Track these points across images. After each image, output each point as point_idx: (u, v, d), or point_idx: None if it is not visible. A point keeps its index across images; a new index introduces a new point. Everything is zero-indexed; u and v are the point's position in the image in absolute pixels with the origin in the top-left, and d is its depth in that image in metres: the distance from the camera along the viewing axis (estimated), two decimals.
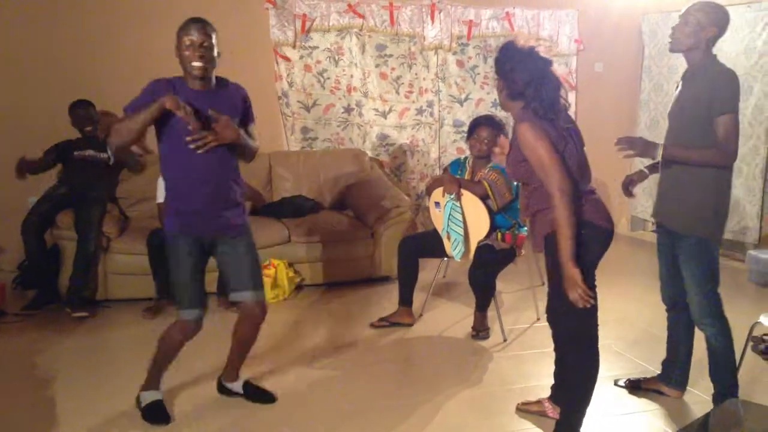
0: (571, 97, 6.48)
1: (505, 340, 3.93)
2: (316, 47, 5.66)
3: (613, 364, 3.60)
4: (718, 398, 2.90)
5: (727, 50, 5.65)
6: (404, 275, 4.13)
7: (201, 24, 2.67)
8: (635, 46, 6.61)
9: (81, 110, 4.60)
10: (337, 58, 5.72)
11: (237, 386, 3.14)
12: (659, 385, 3.23)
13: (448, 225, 3.92)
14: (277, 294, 4.56)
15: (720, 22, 2.77)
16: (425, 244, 4.16)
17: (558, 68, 6.46)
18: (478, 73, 6.14)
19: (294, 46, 5.59)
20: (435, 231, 4.11)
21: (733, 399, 2.59)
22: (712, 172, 2.76)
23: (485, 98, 6.18)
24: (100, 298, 4.49)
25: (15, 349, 3.79)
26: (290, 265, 4.74)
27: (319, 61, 5.69)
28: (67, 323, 4.16)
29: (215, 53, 2.70)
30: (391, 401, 3.18)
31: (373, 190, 5.27)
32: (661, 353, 3.29)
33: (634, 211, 6.86)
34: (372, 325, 4.12)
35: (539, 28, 6.28)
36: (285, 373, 3.48)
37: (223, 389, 3.17)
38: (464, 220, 3.88)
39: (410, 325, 4.13)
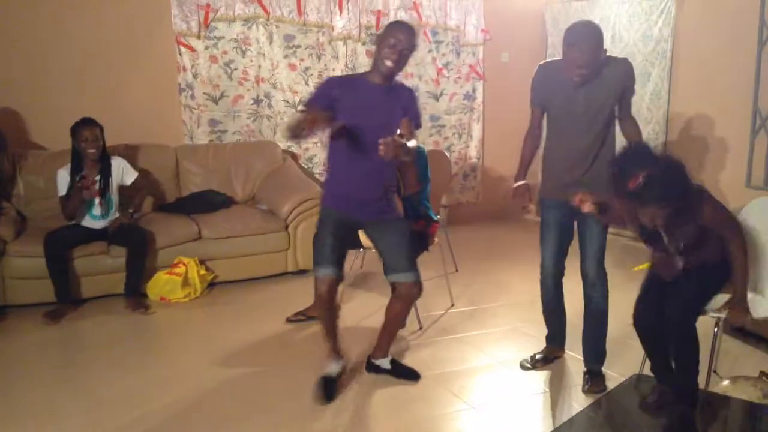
0: (479, 87, 6.61)
1: (420, 328, 3.96)
2: (221, 37, 5.51)
3: (523, 345, 3.70)
4: (595, 360, 3.23)
5: (626, 38, 5.89)
6: None
7: (410, 31, 2.92)
8: (539, 35, 6.78)
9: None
10: (244, 48, 5.59)
11: (385, 363, 3.34)
12: (558, 352, 3.51)
13: None
14: (188, 293, 4.43)
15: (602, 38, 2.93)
16: None
17: (466, 58, 6.61)
18: None
19: (198, 37, 5.42)
20: None
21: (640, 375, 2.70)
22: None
23: None
24: None
25: None
26: (201, 262, 4.61)
27: (225, 52, 5.54)
28: None
29: (407, 60, 2.95)
30: (306, 396, 3.14)
31: (287, 182, 5.20)
32: (570, 334, 3.43)
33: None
34: (288, 320, 4.06)
35: (446, 17, 6.34)
36: (197, 373, 3.38)
37: (371, 367, 3.37)
38: None
39: None
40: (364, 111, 2.91)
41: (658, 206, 2.36)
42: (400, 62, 2.91)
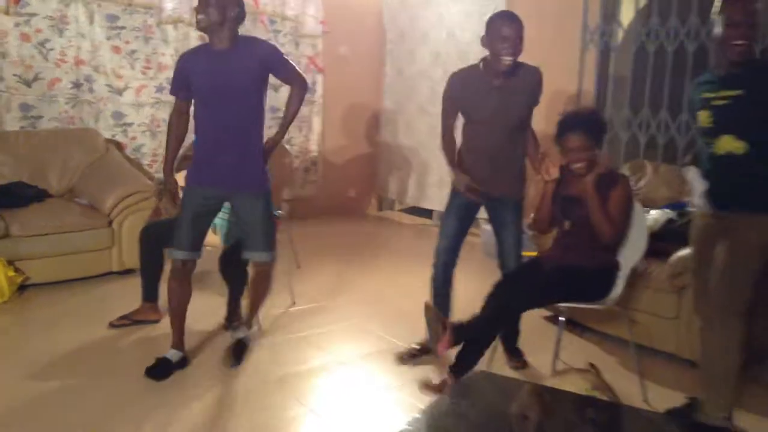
0: (319, 80, 6.51)
1: (260, 328, 3.80)
2: (35, 14, 4.96)
3: (365, 342, 3.67)
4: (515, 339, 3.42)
5: (459, 36, 6.06)
6: (148, 267, 3.80)
7: None
8: (377, 29, 6.81)
9: None
10: (61, 27, 5.08)
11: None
12: None
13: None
14: None
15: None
16: (171, 231, 3.85)
17: (305, 50, 6.50)
18: None
19: (7, 13, 4.85)
20: None
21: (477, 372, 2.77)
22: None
23: None
24: None
25: None
26: (10, 263, 4.11)
27: (39, 30, 5.00)
28: None
29: (215, 12, 2.92)
30: (134, 408, 2.89)
31: (110, 174, 4.80)
32: (408, 326, 3.46)
33: (383, 192, 7.12)
34: (112, 325, 3.73)
35: (285, 6, 6.17)
36: (5, 388, 3.00)
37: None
38: None
39: (156, 321, 3.80)
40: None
41: (583, 134, 2.88)
42: (205, 15, 2.98)
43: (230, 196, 3.17)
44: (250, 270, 3.39)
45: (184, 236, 3.13)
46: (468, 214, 3.39)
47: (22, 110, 5.03)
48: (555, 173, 3.00)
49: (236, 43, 3.03)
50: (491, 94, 3.17)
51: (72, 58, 5.15)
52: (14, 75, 4.95)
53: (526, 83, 3.23)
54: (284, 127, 3.24)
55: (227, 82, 2.99)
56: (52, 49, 5.07)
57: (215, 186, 3.11)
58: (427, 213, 6.73)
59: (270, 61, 3.09)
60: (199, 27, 3.02)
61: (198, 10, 2.96)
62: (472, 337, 2.90)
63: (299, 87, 3.20)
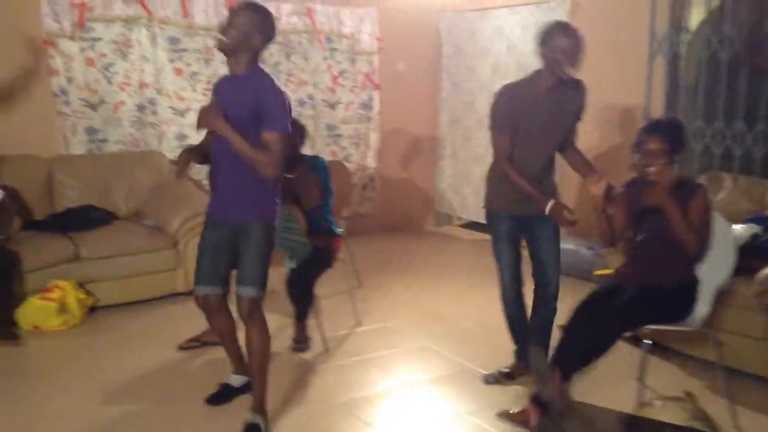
0: (376, 97, 6.48)
1: (326, 350, 3.75)
2: (99, 39, 5.07)
3: (434, 364, 3.58)
4: None
5: (520, 49, 5.94)
6: None
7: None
8: (434, 44, 6.76)
9: None
10: (124, 51, 5.17)
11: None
12: (525, 369, 3.30)
13: (281, 239, 3.64)
14: (65, 320, 3.98)
15: None
16: None
17: (362, 67, 6.48)
18: (281, 71, 5.90)
19: (73, 38, 4.96)
20: None
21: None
22: None
23: (292, 96, 5.95)
24: None
25: None
26: (80, 285, 4.18)
27: (104, 55, 5.10)
28: None
29: (236, 34, 2.68)
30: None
31: (175, 195, 4.84)
32: (478, 347, 3.32)
33: (440, 207, 7.02)
34: (181, 347, 3.74)
35: (341, 25, 6.18)
36: (76, 413, 3.01)
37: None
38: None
39: None
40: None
41: (662, 139, 2.80)
42: (225, 36, 2.75)
43: (237, 228, 2.85)
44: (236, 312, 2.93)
45: (201, 271, 2.94)
46: (517, 237, 3.28)
47: (88, 134, 5.13)
48: (596, 191, 2.90)
49: (250, 71, 2.77)
50: (542, 106, 3.08)
51: (136, 81, 5.24)
52: (80, 99, 5.05)
53: (575, 95, 3.17)
54: (233, 134, 2.69)
55: (226, 111, 2.74)
56: (116, 73, 5.16)
57: (223, 219, 2.89)
58: (484, 228, 6.60)
59: (257, 102, 2.72)
60: (219, 48, 2.76)
61: (220, 30, 2.74)
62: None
63: (268, 160, 2.71)
